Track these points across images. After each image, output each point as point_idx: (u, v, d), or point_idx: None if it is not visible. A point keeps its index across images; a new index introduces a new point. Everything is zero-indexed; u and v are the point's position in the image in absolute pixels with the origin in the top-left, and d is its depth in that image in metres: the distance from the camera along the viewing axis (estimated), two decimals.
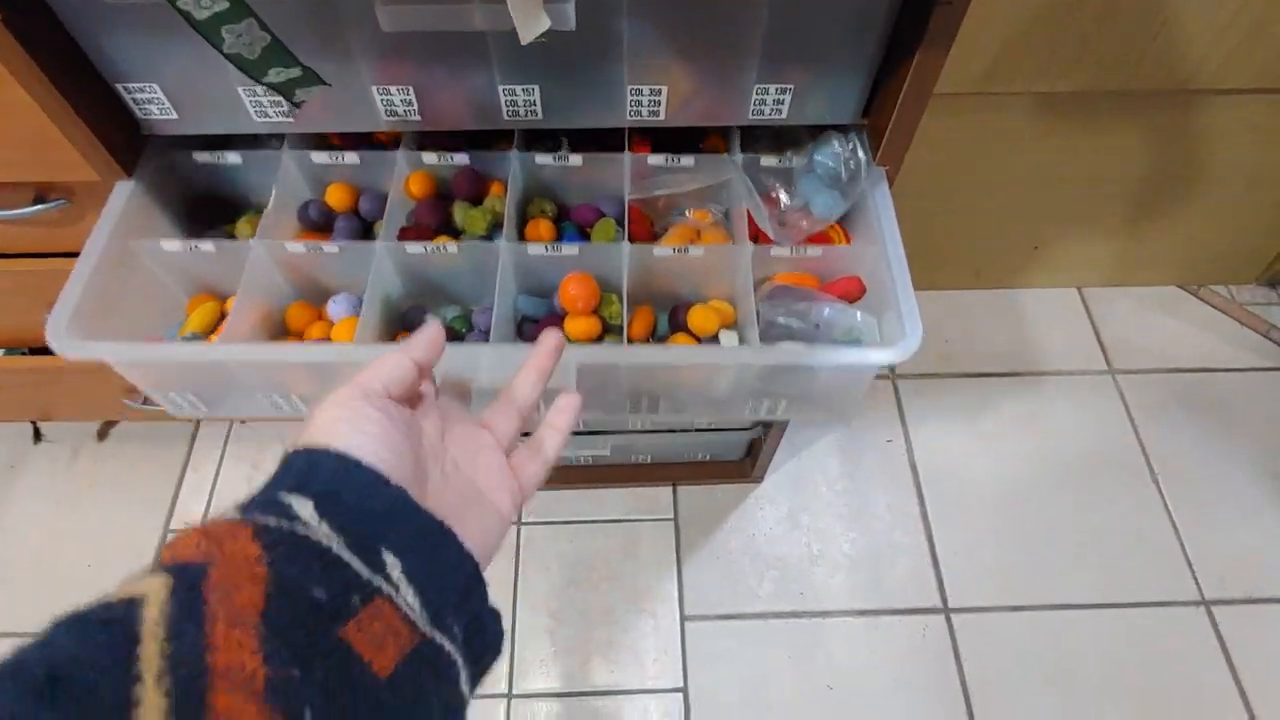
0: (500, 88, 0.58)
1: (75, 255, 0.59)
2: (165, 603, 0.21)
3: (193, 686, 0.20)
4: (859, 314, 0.62)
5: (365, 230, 0.69)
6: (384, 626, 0.24)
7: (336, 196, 0.68)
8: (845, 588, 1.11)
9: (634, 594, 1.10)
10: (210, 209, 0.69)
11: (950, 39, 0.52)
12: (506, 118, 0.60)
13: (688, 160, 0.66)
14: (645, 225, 0.69)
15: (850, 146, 0.62)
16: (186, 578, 0.22)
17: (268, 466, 0.28)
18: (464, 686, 0.28)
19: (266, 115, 0.59)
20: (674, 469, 1.18)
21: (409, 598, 0.26)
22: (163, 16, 0.46)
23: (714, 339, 0.65)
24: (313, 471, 0.27)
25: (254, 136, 0.67)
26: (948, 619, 1.08)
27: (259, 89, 0.57)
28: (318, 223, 0.68)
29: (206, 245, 0.61)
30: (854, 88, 0.60)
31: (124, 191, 0.61)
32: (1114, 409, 1.27)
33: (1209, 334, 1.35)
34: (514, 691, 1.03)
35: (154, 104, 0.58)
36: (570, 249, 0.63)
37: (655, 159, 0.65)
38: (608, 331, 0.65)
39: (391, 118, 0.60)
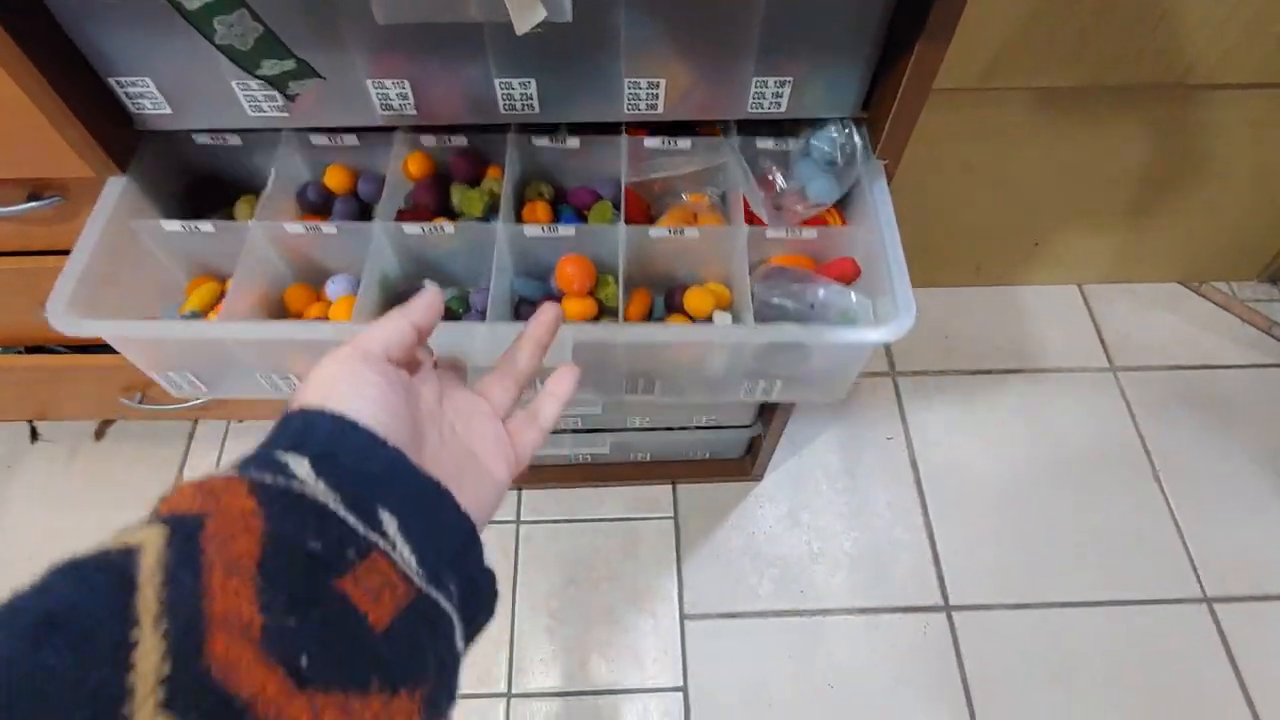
0: (497, 81, 0.58)
1: (70, 253, 0.58)
2: (162, 551, 0.21)
3: (190, 631, 0.20)
4: (854, 295, 0.62)
5: (363, 212, 0.69)
6: (380, 580, 0.24)
7: (335, 179, 0.68)
8: (846, 586, 1.10)
9: (634, 593, 1.09)
10: (208, 198, 0.69)
11: (950, 32, 0.51)
12: (503, 111, 0.60)
13: (684, 143, 0.66)
14: (642, 208, 0.69)
15: (847, 132, 0.62)
16: (183, 528, 0.22)
17: None
18: (459, 643, 0.28)
19: (261, 110, 0.59)
20: (674, 467, 1.18)
21: (405, 554, 0.26)
22: (155, 8, 0.46)
23: (709, 321, 0.65)
24: (309, 431, 0.27)
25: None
26: (949, 617, 1.08)
27: (253, 82, 0.56)
28: (316, 205, 0.68)
29: (205, 226, 0.61)
30: (854, 81, 0.60)
31: (117, 187, 0.61)
32: (1115, 406, 1.27)
33: (1210, 331, 1.34)
34: (513, 691, 1.02)
35: (147, 98, 0.58)
36: (567, 230, 0.63)
37: (652, 142, 0.66)
38: (604, 313, 0.65)
39: (387, 112, 0.60)
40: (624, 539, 1.14)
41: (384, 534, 0.25)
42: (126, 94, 0.57)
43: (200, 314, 0.64)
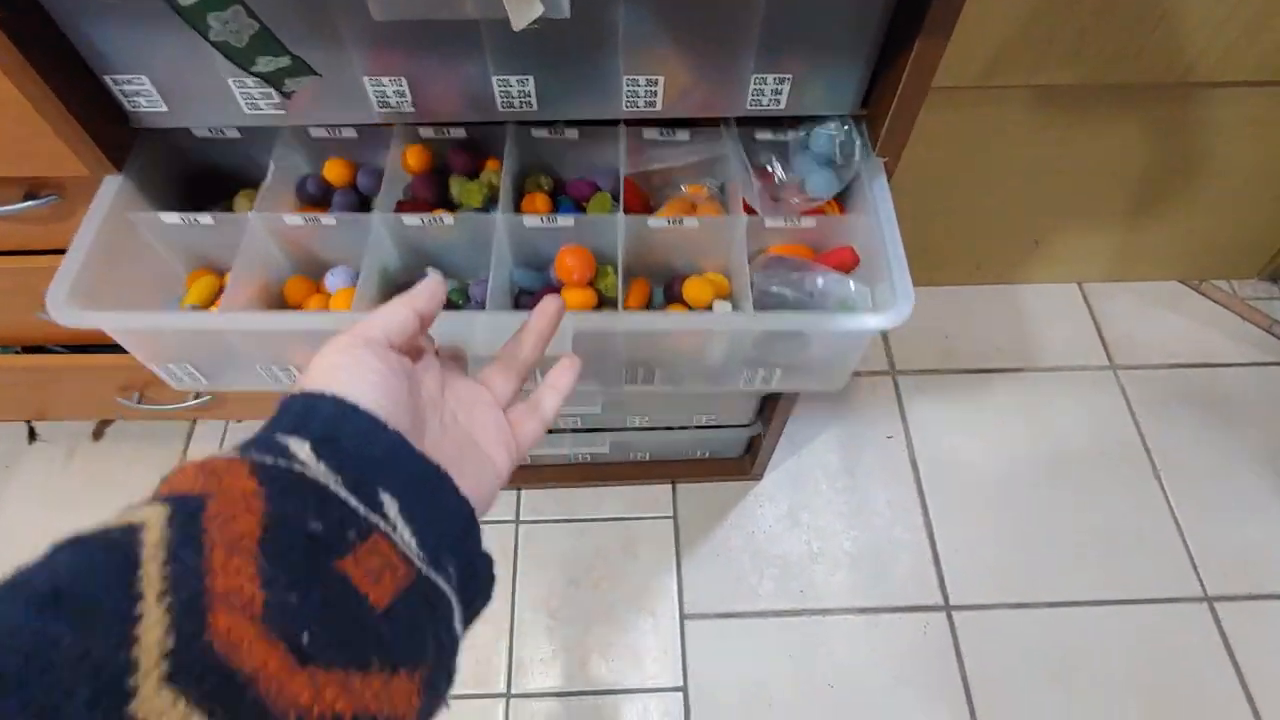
0: (494, 78, 0.57)
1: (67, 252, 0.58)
2: (164, 529, 0.22)
3: (193, 607, 0.20)
4: (853, 284, 0.62)
5: (363, 205, 0.69)
6: (381, 561, 0.24)
7: (334, 171, 0.68)
8: (846, 585, 1.10)
9: (633, 593, 1.09)
10: (207, 193, 0.69)
11: (949, 29, 0.51)
12: (501, 109, 0.60)
13: (683, 134, 0.66)
14: (641, 199, 0.69)
15: (846, 128, 0.62)
16: (185, 508, 0.22)
17: None
18: (457, 626, 0.28)
19: (257, 107, 0.59)
20: (673, 466, 1.17)
21: (406, 536, 0.26)
22: (150, 6, 0.45)
23: (709, 310, 0.65)
24: (310, 415, 0.27)
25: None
26: (949, 616, 1.08)
27: (249, 80, 0.56)
28: (315, 197, 0.68)
29: (204, 218, 0.61)
30: (853, 78, 0.59)
31: (113, 185, 0.60)
32: (1115, 404, 1.26)
33: (1211, 329, 1.34)
34: (513, 691, 1.02)
35: (143, 96, 0.57)
36: (566, 220, 0.63)
37: (651, 133, 0.66)
38: (603, 304, 0.65)
39: (384, 109, 0.59)
40: (624, 539, 1.14)
41: (385, 516, 0.25)
42: (122, 92, 0.57)
43: (201, 307, 0.64)
